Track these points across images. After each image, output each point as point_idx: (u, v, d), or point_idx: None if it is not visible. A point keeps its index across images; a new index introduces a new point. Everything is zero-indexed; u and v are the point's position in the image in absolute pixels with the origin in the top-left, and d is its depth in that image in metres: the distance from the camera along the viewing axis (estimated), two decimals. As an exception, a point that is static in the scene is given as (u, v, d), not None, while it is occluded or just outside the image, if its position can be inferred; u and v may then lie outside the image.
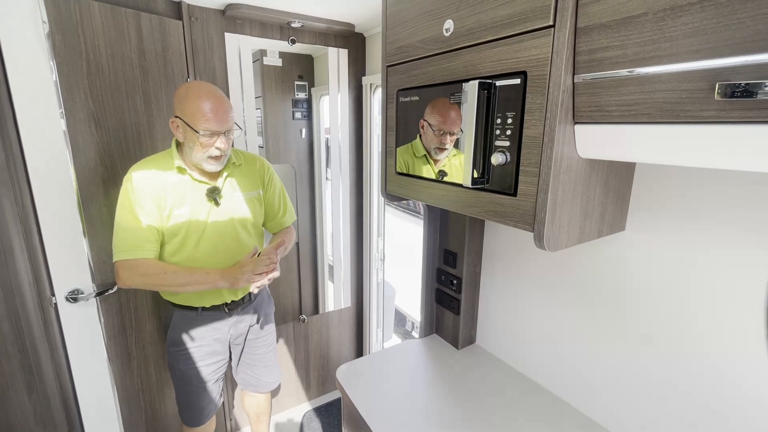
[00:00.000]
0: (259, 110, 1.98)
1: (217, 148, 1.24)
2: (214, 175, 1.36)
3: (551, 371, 1.14)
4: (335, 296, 2.37)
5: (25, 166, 1.25)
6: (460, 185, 0.84)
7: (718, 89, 0.48)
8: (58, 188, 1.32)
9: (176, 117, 1.23)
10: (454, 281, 1.34)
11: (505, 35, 0.70)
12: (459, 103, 0.81)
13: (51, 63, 1.25)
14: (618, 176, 0.81)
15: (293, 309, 2.34)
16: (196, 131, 1.20)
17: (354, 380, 1.21)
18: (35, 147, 1.26)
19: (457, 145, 0.84)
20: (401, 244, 4.33)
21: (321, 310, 2.47)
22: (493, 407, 1.09)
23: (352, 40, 1.98)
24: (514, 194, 0.73)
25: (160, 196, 1.26)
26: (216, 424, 1.65)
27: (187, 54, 1.57)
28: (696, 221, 0.79)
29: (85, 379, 1.46)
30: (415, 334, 3.56)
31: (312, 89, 2.17)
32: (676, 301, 0.84)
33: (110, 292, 1.47)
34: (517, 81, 0.69)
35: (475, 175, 0.77)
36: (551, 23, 0.62)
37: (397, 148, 1.04)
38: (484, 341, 1.38)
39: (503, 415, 1.06)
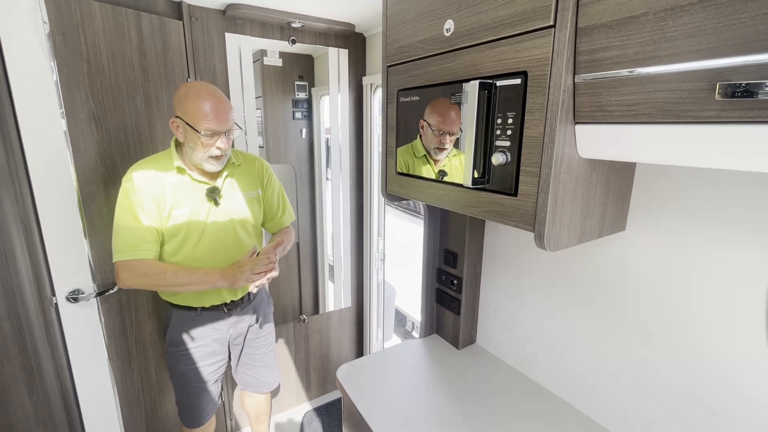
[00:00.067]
0: (259, 110, 1.98)
1: (218, 148, 1.24)
2: (214, 175, 1.36)
3: (552, 371, 1.14)
4: (335, 296, 2.37)
5: (25, 166, 1.25)
6: (461, 185, 0.84)
7: (718, 89, 0.48)
8: (59, 188, 1.32)
9: (176, 117, 1.23)
10: (455, 281, 1.34)
11: (505, 35, 0.70)
12: (459, 103, 0.81)
13: (52, 63, 1.26)
14: (618, 176, 0.81)
15: (293, 309, 2.35)
16: (196, 131, 1.20)
17: (354, 380, 1.21)
18: (36, 147, 1.26)
19: (457, 144, 0.84)
20: (401, 244, 4.33)
21: (321, 310, 2.47)
22: (493, 407, 1.09)
23: (352, 40, 1.98)
24: (515, 194, 0.73)
25: (159, 197, 1.26)
26: (216, 424, 1.65)
27: (187, 54, 1.58)
28: (696, 221, 0.79)
29: (85, 379, 1.46)
30: (416, 334, 3.56)
31: (312, 89, 2.18)
32: (676, 301, 0.84)
33: (111, 292, 1.47)
34: (518, 81, 0.69)
35: (476, 175, 0.77)
36: (552, 23, 0.62)
37: (398, 148, 1.04)
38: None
39: (503, 415, 1.06)
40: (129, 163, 1.32)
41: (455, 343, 1.39)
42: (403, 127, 1.01)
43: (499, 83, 0.72)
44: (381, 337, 2.44)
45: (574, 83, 0.63)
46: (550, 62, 0.63)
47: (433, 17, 0.85)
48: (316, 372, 2.34)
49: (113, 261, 1.23)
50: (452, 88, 0.83)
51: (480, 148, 0.76)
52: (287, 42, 1.83)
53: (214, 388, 1.51)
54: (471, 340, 1.40)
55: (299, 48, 1.94)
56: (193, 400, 1.47)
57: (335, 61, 1.97)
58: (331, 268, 2.35)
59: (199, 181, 1.32)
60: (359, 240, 2.30)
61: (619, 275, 0.94)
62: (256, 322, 1.57)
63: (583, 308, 1.03)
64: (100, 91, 1.38)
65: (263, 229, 1.59)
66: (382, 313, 2.42)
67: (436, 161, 0.91)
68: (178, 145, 1.32)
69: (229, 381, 1.95)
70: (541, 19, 0.63)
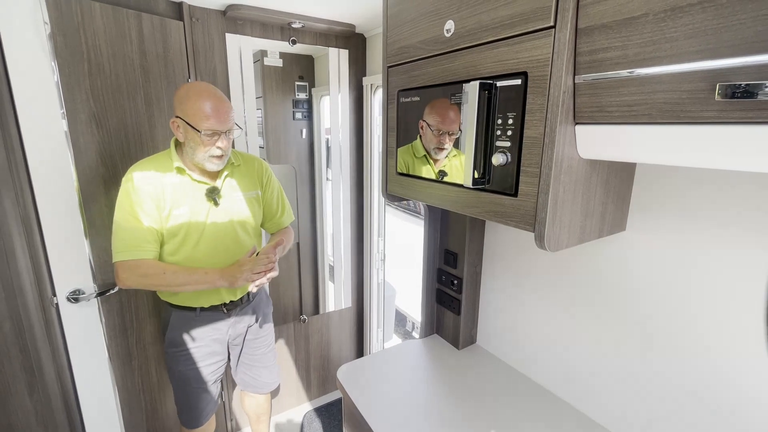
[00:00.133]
0: (259, 111, 1.98)
1: (218, 148, 1.25)
2: (213, 176, 1.36)
3: (552, 371, 1.14)
4: (336, 296, 2.38)
5: (26, 166, 1.25)
6: (461, 185, 0.84)
7: (718, 90, 0.48)
8: (60, 188, 1.32)
9: (177, 117, 1.23)
10: (455, 281, 1.34)
11: (505, 36, 0.70)
12: (460, 104, 0.81)
13: (52, 63, 1.26)
14: (618, 176, 0.82)
15: (294, 309, 2.35)
16: (197, 131, 1.20)
17: (355, 380, 1.21)
18: (37, 147, 1.26)
19: (457, 144, 0.84)
20: (402, 245, 4.33)
21: (321, 311, 2.47)
22: (493, 407, 1.09)
23: (352, 40, 1.99)
24: (515, 194, 0.73)
25: (159, 197, 1.26)
26: (216, 425, 1.65)
27: (188, 54, 1.58)
28: (696, 221, 0.79)
29: (86, 379, 1.46)
30: (416, 334, 3.56)
31: (312, 90, 2.18)
32: (676, 301, 0.84)
33: (111, 292, 1.48)
34: (518, 81, 0.69)
35: (476, 176, 0.77)
36: (552, 24, 0.62)
37: (398, 149, 1.04)
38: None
39: (504, 415, 1.06)
40: (129, 163, 1.32)
41: (455, 343, 1.39)
42: (404, 128, 1.01)
43: (499, 84, 0.72)
44: (381, 337, 2.44)
45: (574, 84, 0.63)
46: (551, 63, 0.63)
47: (434, 18, 0.85)
48: (317, 372, 2.34)
49: (113, 261, 1.24)
50: (452, 88, 0.83)
51: (480, 148, 0.76)
52: (288, 42, 1.83)
53: (213, 389, 1.51)
54: (471, 340, 1.40)
55: (299, 48, 1.94)
56: (192, 400, 1.47)
57: (335, 61, 1.97)
58: (332, 268, 2.35)
59: (199, 182, 1.32)
60: (359, 240, 2.31)
61: (619, 275, 0.94)
62: (256, 322, 1.57)
63: (584, 308, 1.03)
64: (101, 92, 1.39)
65: (262, 230, 1.59)
66: (383, 313, 2.42)
67: (436, 161, 0.92)
68: (178, 145, 1.32)
69: (229, 381, 1.95)
70: (542, 19, 0.63)
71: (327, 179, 2.29)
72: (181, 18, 1.55)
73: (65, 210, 1.34)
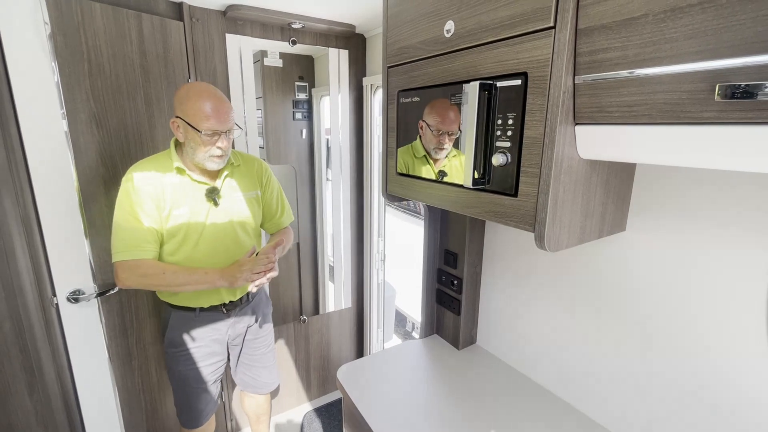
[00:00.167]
0: (259, 111, 1.98)
1: (219, 148, 1.25)
2: (213, 176, 1.36)
3: (552, 371, 1.14)
4: (336, 297, 2.38)
5: (26, 166, 1.25)
6: (461, 186, 0.84)
7: (718, 90, 0.48)
8: (60, 189, 1.32)
9: (177, 117, 1.23)
10: (455, 282, 1.34)
11: (505, 36, 0.70)
12: (459, 104, 0.82)
13: (53, 64, 1.26)
14: (618, 177, 0.82)
15: (294, 309, 2.35)
16: (198, 131, 1.21)
17: (355, 380, 1.21)
18: (37, 147, 1.26)
19: (457, 145, 0.84)
20: (402, 245, 4.33)
21: (321, 311, 2.47)
22: (493, 407, 1.09)
23: (352, 40, 1.99)
24: (515, 195, 0.73)
25: (159, 197, 1.26)
26: (216, 425, 1.65)
27: (188, 55, 1.58)
28: (696, 221, 0.79)
29: (86, 379, 1.46)
30: (416, 334, 3.56)
31: (312, 90, 2.18)
32: (676, 301, 0.84)
33: (111, 292, 1.48)
34: (518, 82, 0.69)
35: (476, 176, 0.77)
36: (552, 24, 0.62)
37: (398, 149, 1.04)
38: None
39: (504, 415, 1.06)
40: (129, 163, 1.33)
41: (455, 343, 1.39)
42: (404, 128, 1.01)
43: (499, 84, 0.72)
44: (381, 337, 2.44)
45: (574, 84, 0.63)
46: (550, 63, 0.63)
47: (434, 18, 0.85)
48: (317, 372, 2.34)
49: (113, 261, 1.24)
50: (452, 89, 0.83)
51: (480, 148, 0.76)
52: (288, 43, 1.83)
53: (213, 389, 1.51)
54: (471, 340, 1.40)
55: (299, 49, 1.94)
56: (192, 400, 1.47)
57: (335, 61, 1.97)
58: (332, 268, 2.35)
59: (199, 182, 1.32)
60: (359, 240, 2.31)
61: (619, 275, 0.94)
62: (255, 322, 1.57)
63: (583, 308, 1.03)
64: (101, 92, 1.39)
65: (262, 230, 1.59)
66: (383, 313, 2.42)
67: (435, 161, 0.92)
68: (178, 145, 1.32)
69: (229, 381, 1.95)
70: (542, 20, 0.63)
71: (327, 179, 2.29)
72: (181, 18, 1.55)
73: (65, 210, 1.34)
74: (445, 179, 0.89)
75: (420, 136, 0.95)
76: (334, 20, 1.79)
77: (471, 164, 0.76)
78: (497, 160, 0.73)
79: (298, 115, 2.17)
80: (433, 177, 0.93)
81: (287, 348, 2.18)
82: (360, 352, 2.50)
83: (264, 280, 1.34)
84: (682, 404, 0.85)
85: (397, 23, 0.96)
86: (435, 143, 0.90)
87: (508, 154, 0.72)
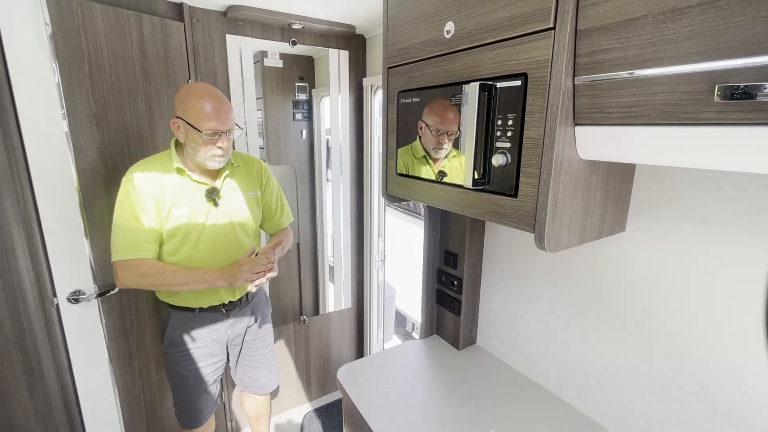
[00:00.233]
0: (259, 111, 1.98)
1: (219, 147, 1.26)
2: (213, 176, 1.36)
3: (552, 371, 1.14)
4: (336, 297, 2.38)
5: (27, 167, 1.25)
6: (461, 186, 0.84)
7: (717, 91, 0.48)
8: (60, 189, 1.32)
9: (177, 117, 1.24)
10: (455, 282, 1.34)
11: (505, 37, 0.70)
12: (459, 105, 0.82)
13: (53, 64, 1.26)
14: (618, 177, 0.82)
15: (294, 310, 2.35)
16: (198, 130, 1.21)
17: (355, 381, 1.21)
18: (37, 148, 1.26)
19: (456, 145, 0.84)
20: (402, 245, 4.33)
21: (321, 311, 2.47)
22: (493, 407, 1.09)
23: (353, 41, 1.99)
24: (515, 195, 0.73)
25: (159, 197, 1.26)
26: (216, 425, 1.65)
27: (188, 55, 1.58)
28: (696, 221, 0.79)
29: (86, 379, 1.46)
30: (416, 335, 3.56)
31: (312, 90, 2.18)
32: (676, 301, 0.84)
33: (112, 293, 1.48)
34: (518, 83, 0.69)
35: (476, 176, 0.78)
36: (552, 25, 0.62)
37: (398, 150, 1.04)
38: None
39: (504, 416, 1.06)
40: (130, 163, 1.33)
41: (455, 343, 1.39)
42: (404, 129, 1.01)
43: (499, 85, 0.72)
44: (381, 337, 2.44)
45: (573, 85, 0.63)
46: (550, 64, 0.63)
47: (434, 19, 0.85)
48: (317, 373, 2.34)
49: (112, 260, 1.24)
50: (453, 89, 0.83)
51: (480, 149, 0.76)
52: (288, 43, 1.83)
53: (212, 389, 1.51)
54: (471, 340, 1.40)
55: (300, 49, 1.94)
56: (191, 400, 1.47)
57: (336, 62, 1.97)
58: (332, 268, 2.35)
59: (199, 182, 1.32)
60: (359, 241, 2.31)
61: (619, 276, 0.94)
62: (255, 322, 1.57)
63: (583, 309, 1.03)
64: (102, 92, 1.39)
65: (262, 231, 1.59)
66: (383, 313, 2.42)
67: (435, 161, 0.92)
68: (178, 145, 1.33)
69: (229, 382, 1.95)
70: (541, 21, 0.63)
71: (327, 180, 2.29)
72: (181, 19, 1.55)
73: (65, 210, 1.34)
74: (445, 180, 0.89)
75: (419, 137, 0.95)
76: (334, 21, 1.79)
77: (471, 165, 0.77)
78: (497, 160, 0.73)
79: (299, 116, 2.18)
80: (433, 177, 0.93)
81: (287, 348, 2.18)
82: (360, 352, 2.50)
83: (263, 281, 1.34)
84: (682, 404, 0.85)
85: (398, 24, 0.97)
86: (434, 143, 0.90)
87: (508, 155, 0.72)
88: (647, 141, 0.58)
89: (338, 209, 2.20)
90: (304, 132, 2.23)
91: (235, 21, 1.67)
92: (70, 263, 1.36)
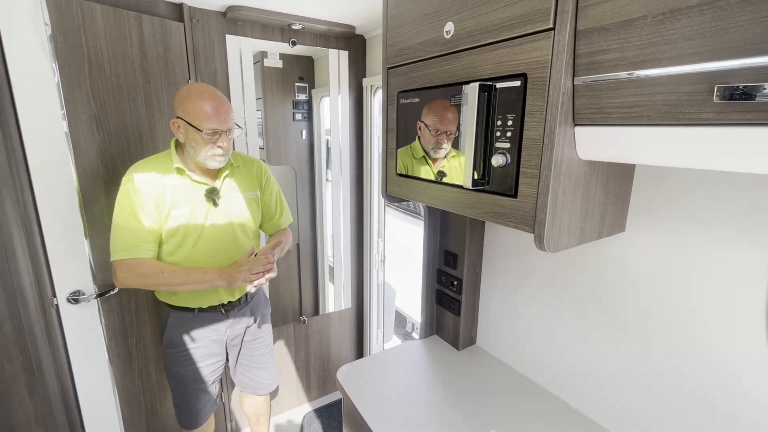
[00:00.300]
0: (259, 111, 1.98)
1: (219, 147, 1.26)
2: (213, 176, 1.36)
3: (551, 372, 1.14)
4: (335, 297, 2.38)
5: (27, 167, 1.25)
6: (461, 186, 0.84)
7: (717, 92, 0.48)
8: (60, 189, 1.32)
9: (178, 117, 1.24)
10: (455, 282, 1.34)
11: (505, 38, 0.70)
12: (459, 105, 0.82)
13: (53, 65, 1.26)
14: (618, 177, 0.82)
15: (293, 310, 2.35)
16: (199, 130, 1.21)
17: (355, 381, 1.21)
18: (37, 148, 1.26)
19: (456, 145, 0.84)
20: (401, 245, 4.33)
21: (321, 311, 2.47)
22: (493, 408, 1.09)
23: (352, 41, 1.99)
24: (515, 195, 0.73)
25: (159, 198, 1.26)
26: (216, 426, 1.65)
27: (188, 56, 1.58)
28: (696, 222, 0.79)
29: (86, 379, 1.46)
30: (416, 335, 3.56)
31: (312, 91, 2.18)
32: (676, 301, 0.84)
33: (111, 293, 1.48)
34: (518, 83, 0.69)
35: (476, 177, 0.78)
36: (551, 26, 0.62)
37: (398, 150, 1.05)
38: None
39: (503, 416, 1.06)
40: (130, 164, 1.33)
41: (455, 344, 1.39)
42: (403, 129, 1.01)
43: (498, 85, 0.72)
44: (381, 338, 2.44)
45: (573, 85, 0.63)
46: (550, 64, 0.63)
47: (433, 19, 0.85)
48: (316, 373, 2.34)
49: (111, 260, 1.24)
50: (452, 90, 0.83)
51: (480, 149, 0.76)
52: (288, 44, 1.83)
53: (212, 389, 1.51)
54: (471, 341, 1.40)
55: (299, 49, 1.94)
56: (190, 401, 1.47)
57: (335, 62, 1.97)
58: (331, 269, 2.35)
59: (198, 182, 1.33)
60: (359, 241, 2.31)
61: (619, 276, 0.94)
62: (254, 323, 1.57)
63: (583, 309, 1.03)
64: (101, 93, 1.39)
65: (261, 231, 1.59)
66: (382, 314, 2.42)
67: (434, 161, 0.92)
68: (178, 145, 1.33)
69: (228, 382, 1.95)
70: (541, 21, 0.63)
71: (327, 180, 2.29)
72: (181, 19, 1.55)
73: (65, 211, 1.34)
74: (445, 180, 0.89)
75: (419, 137, 0.95)
76: (334, 21, 1.79)
77: (471, 165, 0.77)
78: (497, 161, 0.73)
79: (298, 116, 2.18)
80: (432, 178, 0.93)
81: (287, 349, 2.18)
82: (360, 352, 2.50)
83: (262, 281, 1.34)
84: (682, 404, 0.85)
85: (397, 24, 0.97)
86: (433, 143, 0.90)
87: (508, 155, 0.72)
88: (647, 141, 0.58)
89: (338, 209, 2.20)
90: (304, 132, 2.23)
91: (234, 21, 1.67)
92: (69, 263, 1.36)
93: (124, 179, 1.26)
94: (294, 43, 1.84)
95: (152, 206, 1.25)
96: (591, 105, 0.62)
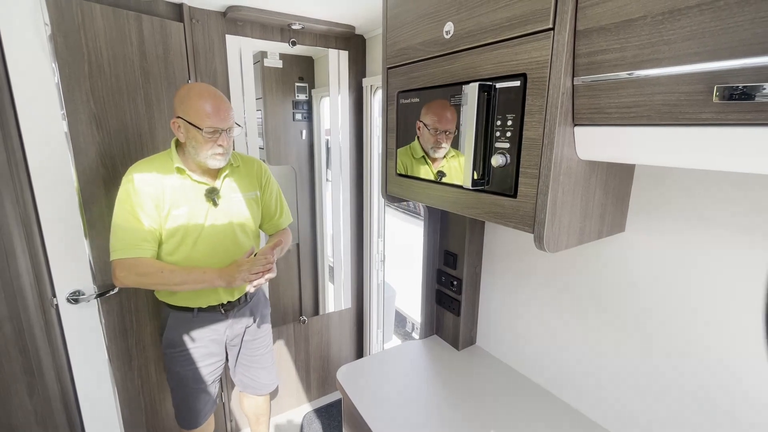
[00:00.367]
0: (259, 111, 1.98)
1: (220, 146, 1.26)
2: (213, 176, 1.36)
3: (551, 372, 1.14)
4: (335, 297, 2.38)
5: (26, 167, 1.26)
6: (460, 186, 0.84)
7: (716, 92, 0.48)
8: (60, 189, 1.32)
9: (178, 117, 1.24)
10: (455, 282, 1.34)
11: (505, 38, 0.70)
12: (459, 105, 0.82)
13: (53, 65, 1.26)
14: (617, 177, 0.82)
15: (293, 310, 2.35)
16: (199, 129, 1.21)
17: (355, 381, 1.21)
18: (37, 148, 1.26)
19: (455, 145, 0.84)
20: (401, 245, 4.33)
21: (321, 311, 2.47)
22: (493, 408, 1.09)
23: (352, 41, 1.99)
24: (514, 196, 0.73)
25: (159, 197, 1.26)
26: (216, 426, 1.65)
27: (188, 56, 1.58)
28: (695, 221, 0.79)
29: (85, 380, 1.46)
30: (416, 335, 3.56)
31: (312, 91, 2.18)
32: (676, 301, 0.84)
33: (111, 293, 1.48)
34: (517, 83, 0.69)
35: (476, 177, 0.78)
36: (551, 26, 0.62)
37: (398, 150, 1.05)
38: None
39: (503, 416, 1.06)
40: (129, 164, 1.33)
41: (455, 344, 1.39)
42: (403, 129, 1.01)
43: (498, 85, 0.73)
44: (381, 338, 2.44)
45: (573, 85, 0.63)
46: (549, 65, 0.63)
47: (433, 19, 0.85)
48: (316, 373, 2.34)
49: (110, 259, 1.24)
50: (452, 90, 0.83)
51: (480, 149, 0.76)
52: (287, 44, 1.83)
53: (211, 389, 1.51)
54: (471, 341, 1.41)
55: (299, 50, 1.94)
56: (190, 401, 1.47)
57: (335, 62, 1.98)
58: (331, 269, 2.35)
59: (199, 182, 1.33)
60: (359, 241, 2.31)
61: (618, 276, 0.94)
62: (254, 323, 1.57)
63: (583, 309, 1.03)
64: (101, 93, 1.39)
65: (261, 231, 1.59)
66: (382, 314, 2.42)
67: (434, 161, 0.92)
68: (179, 145, 1.33)
69: (228, 382, 1.95)
70: (541, 21, 0.63)
71: (327, 180, 2.29)
72: (181, 19, 1.55)
73: (65, 211, 1.34)
74: (444, 180, 0.89)
75: (418, 137, 0.95)
76: (334, 21, 1.79)
77: (470, 165, 0.77)
78: (496, 161, 0.73)
79: (298, 116, 2.18)
80: (432, 178, 0.93)
81: (287, 349, 2.18)
82: (360, 352, 2.50)
83: (262, 281, 1.34)
84: (682, 404, 0.85)
85: (397, 24, 0.97)
86: (432, 143, 0.90)
87: (508, 155, 0.72)
88: (646, 141, 0.58)
89: (338, 209, 2.20)
90: (304, 132, 2.23)
91: (234, 21, 1.67)
92: (69, 263, 1.37)
93: (124, 179, 1.26)
94: (294, 43, 1.84)
95: (152, 206, 1.25)
96: (590, 105, 0.62)
